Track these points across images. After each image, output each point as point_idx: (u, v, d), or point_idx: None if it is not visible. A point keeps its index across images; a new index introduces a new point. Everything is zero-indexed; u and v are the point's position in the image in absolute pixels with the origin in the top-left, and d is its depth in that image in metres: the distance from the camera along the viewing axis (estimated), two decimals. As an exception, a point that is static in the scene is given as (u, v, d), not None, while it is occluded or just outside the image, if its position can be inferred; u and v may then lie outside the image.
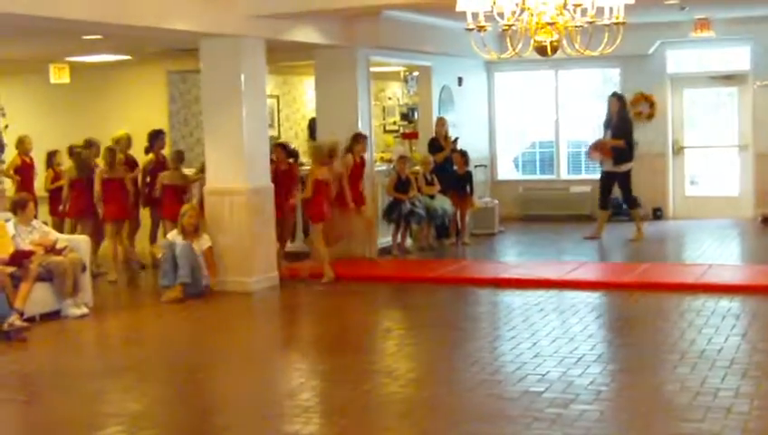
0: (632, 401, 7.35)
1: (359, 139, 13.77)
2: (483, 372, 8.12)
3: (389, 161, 16.20)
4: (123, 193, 13.49)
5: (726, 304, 10.47)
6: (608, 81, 18.73)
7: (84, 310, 10.88)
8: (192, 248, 11.69)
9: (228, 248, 12.09)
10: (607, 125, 15.77)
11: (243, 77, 12.08)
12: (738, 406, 6.89)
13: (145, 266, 13.99)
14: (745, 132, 17.96)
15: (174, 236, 11.88)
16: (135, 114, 16.27)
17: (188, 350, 9.73)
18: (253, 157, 12.24)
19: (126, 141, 14.32)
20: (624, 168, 15.63)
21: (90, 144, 13.87)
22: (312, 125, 17.87)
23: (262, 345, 9.71)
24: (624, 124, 15.67)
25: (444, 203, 15.08)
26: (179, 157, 13.81)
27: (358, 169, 13.71)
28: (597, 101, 18.34)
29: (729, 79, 18.17)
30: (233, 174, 12.18)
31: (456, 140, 15.82)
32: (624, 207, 17.36)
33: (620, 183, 15.75)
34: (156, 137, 14.41)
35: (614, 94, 16.00)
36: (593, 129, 17.70)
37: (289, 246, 13.87)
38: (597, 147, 15.83)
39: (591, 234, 15.76)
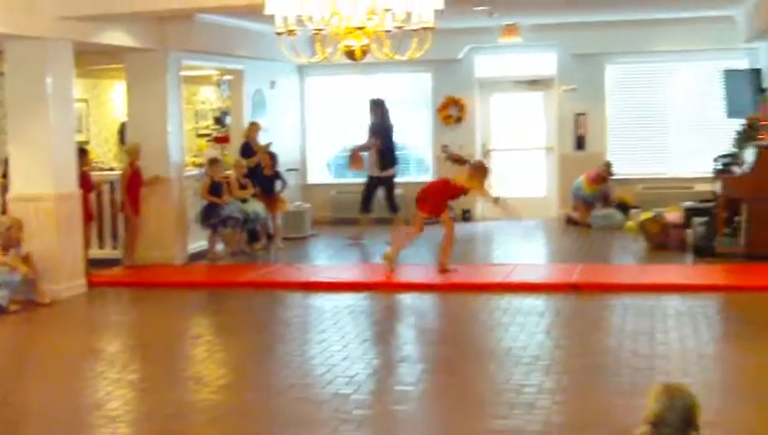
0: (440, 399, 7.50)
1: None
2: (292, 376, 8.16)
3: (201, 166, 16.06)
4: None
5: (531, 302, 10.78)
6: (419, 85, 18.96)
7: None
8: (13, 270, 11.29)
9: (35, 256, 11.74)
10: (371, 131, 16.04)
11: (49, 80, 11.78)
12: (541, 401, 7.12)
13: None
14: (551, 135, 18.52)
15: None
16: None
17: (-9, 361, 9.47)
18: (60, 162, 11.95)
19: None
20: (386, 173, 15.93)
21: None
22: (122, 130, 17.60)
23: (69, 355, 9.46)
24: (382, 130, 15.94)
25: (257, 207, 15.03)
26: None
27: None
28: (408, 106, 18.63)
29: (536, 83, 18.69)
30: (39, 180, 11.86)
31: (269, 144, 15.76)
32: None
33: (385, 188, 16.02)
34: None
35: (373, 100, 16.24)
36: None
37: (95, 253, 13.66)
38: (351, 157, 16.33)
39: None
